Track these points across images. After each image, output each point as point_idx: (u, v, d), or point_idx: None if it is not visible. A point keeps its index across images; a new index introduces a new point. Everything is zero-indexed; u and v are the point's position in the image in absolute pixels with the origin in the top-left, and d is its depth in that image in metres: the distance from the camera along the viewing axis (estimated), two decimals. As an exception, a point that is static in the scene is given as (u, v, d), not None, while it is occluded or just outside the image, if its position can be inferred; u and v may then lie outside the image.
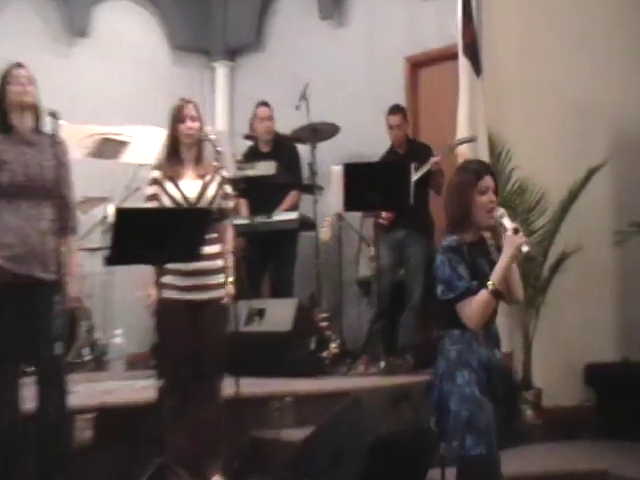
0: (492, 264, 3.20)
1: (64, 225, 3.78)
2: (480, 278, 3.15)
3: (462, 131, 5.59)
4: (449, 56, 6.11)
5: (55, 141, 3.75)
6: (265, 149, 6.52)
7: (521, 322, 5.55)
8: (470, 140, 5.53)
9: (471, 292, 3.14)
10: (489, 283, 3.12)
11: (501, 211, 3.20)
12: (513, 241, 3.10)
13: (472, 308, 3.14)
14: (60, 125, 3.74)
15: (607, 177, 5.84)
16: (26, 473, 3.62)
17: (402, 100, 6.69)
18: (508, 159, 5.65)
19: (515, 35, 5.87)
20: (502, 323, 5.28)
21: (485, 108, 5.59)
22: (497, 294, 3.14)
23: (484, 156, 5.51)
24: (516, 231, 3.12)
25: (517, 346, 5.58)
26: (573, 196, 5.64)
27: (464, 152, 5.54)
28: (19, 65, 3.82)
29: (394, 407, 3.84)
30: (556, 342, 5.65)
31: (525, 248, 3.11)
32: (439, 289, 3.21)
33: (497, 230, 3.26)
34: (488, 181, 3.24)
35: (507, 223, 3.15)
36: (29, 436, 3.63)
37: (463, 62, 5.65)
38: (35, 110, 3.81)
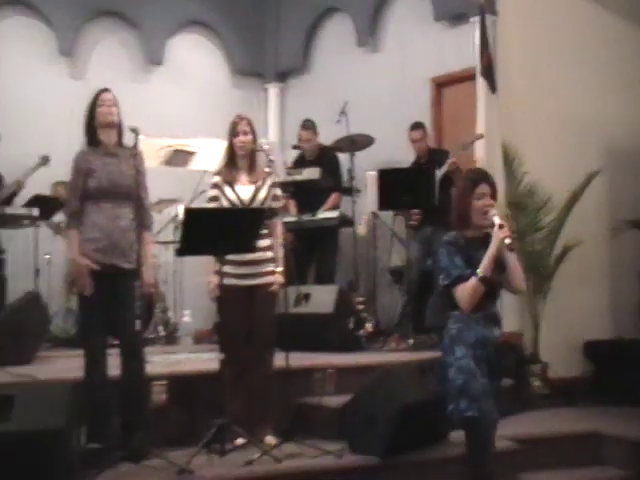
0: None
1: (141, 222, 3.81)
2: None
3: (480, 142, 5.55)
4: (469, 77, 6.08)
5: (134, 153, 3.79)
6: (310, 157, 6.51)
7: (530, 305, 5.52)
8: (478, 138, 5.54)
9: (463, 279, 3.18)
10: (478, 271, 3.16)
11: (493, 212, 3.24)
12: (498, 235, 3.15)
13: (463, 292, 3.18)
14: (139, 139, 3.78)
15: (604, 181, 5.85)
16: (112, 429, 3.66)
17: (428, 115, 6.67)
18: (520, 165, 5.63)
19: (525, 58, 5.85)
20: (514, 306, 5.38)
21: (500, 121, 5.57)
22: (485, 281, 3.16)
23: (499, 163, 5.53)
24: (501, 227, 3.16)
25: (527, 326, 5.57)
26: (575, 197, 5.62)
27: (480, 158, 5.51)
28: (106, 90, 3.85)
29: (421, 378, 3.81)
30: (560, 322, 5.63)
31: (508, 240, 3.15)
32: (440, 277, 3.26)
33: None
34: (483, 188, 3.28)
35: (495, 220, 3.19)
36: (115, 398, 3.67)
37: (480, 82, 5.64)
38: (118, 127, 3.84)
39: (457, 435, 4.00)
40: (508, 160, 5.60)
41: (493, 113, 5.56)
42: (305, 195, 6.13)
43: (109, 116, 3.77)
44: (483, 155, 5.53)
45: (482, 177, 3.36)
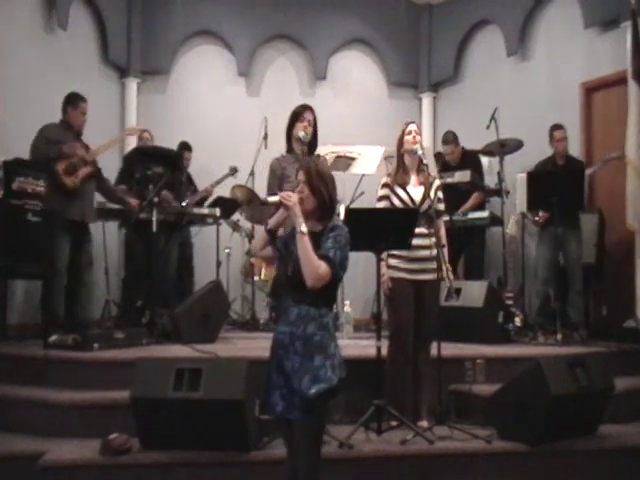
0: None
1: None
2: None
3: (631, 143, 5.23)
4: (619, 81, 5.78)
5: (317, 160, 3.92)
6: (453, 163, 6.39)
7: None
8: (617, 157, 5.41)
9: None
10: None
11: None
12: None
13: None
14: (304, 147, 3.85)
15: None
16: None
17: (577, 119, 6.35)
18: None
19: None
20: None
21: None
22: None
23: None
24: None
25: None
26: None
27: (633, 160, 5.19)
28: (309, 109, 3.93)
29: (570, 372, 3.62)
30: None
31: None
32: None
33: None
34: None
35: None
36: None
37: (632, 85, 5.34)
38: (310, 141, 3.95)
39: (608, 428, 3.78)
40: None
41: (644, 115, 5.21)
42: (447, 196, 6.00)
43: (303, 134, 3.88)
44: (635, 156, 5.19)
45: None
